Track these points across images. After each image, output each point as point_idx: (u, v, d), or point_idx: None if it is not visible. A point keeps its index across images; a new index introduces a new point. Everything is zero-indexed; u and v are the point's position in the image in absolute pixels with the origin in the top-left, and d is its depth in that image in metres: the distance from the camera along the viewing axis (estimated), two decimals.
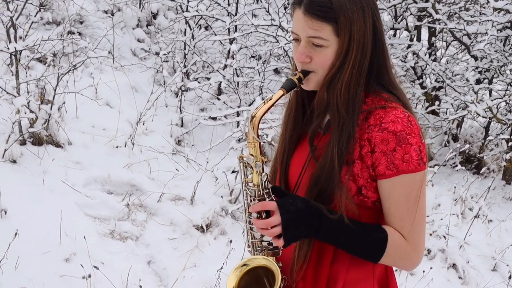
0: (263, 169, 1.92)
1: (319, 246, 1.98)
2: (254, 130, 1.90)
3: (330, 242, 1.93)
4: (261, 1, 6.42)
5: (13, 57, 5.29)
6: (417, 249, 1.93)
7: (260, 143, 1.92)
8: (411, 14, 7.52)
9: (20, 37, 5.74)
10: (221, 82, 6.28)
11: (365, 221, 1.94)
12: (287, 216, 1.86)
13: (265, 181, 1.92)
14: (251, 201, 1.94)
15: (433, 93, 7.31)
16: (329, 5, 1.87)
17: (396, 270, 4.26)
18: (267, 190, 1.92)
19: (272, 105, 1.92)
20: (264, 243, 1.97)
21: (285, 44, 5.88)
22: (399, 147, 1.85)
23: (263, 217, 1.91)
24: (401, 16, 7.46)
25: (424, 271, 4.90)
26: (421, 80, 7.31)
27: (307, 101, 2.09)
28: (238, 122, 5.58)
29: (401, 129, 1.85)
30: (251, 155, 1.91)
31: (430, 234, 5.47)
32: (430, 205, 5.86)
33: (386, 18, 7.73)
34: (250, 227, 1.97)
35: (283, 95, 1.93)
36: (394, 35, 7.72)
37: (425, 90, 7.24)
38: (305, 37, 1.91)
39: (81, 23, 7.31)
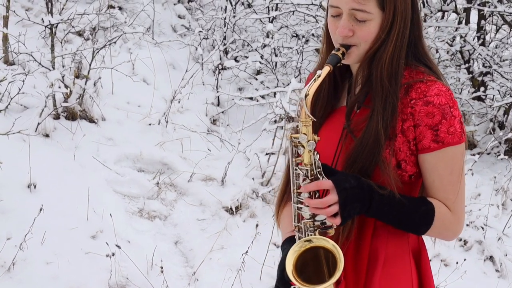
0: (315, 148, 1.90)
1: (360, 222, 1.99)
2: (308, 107, 1.88)
3: (379, 218, 1.96)
4: None
5: (48, 30, 5.32)
6: (459, 220, 1.99)
7: (313, 121, 1.89)
8: None
9: (59, 10, 5.77)
10: (259, 62, 6.21)
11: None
12: (344, 194, 1.86)
13: (317, 160, 1.90)
14: (303, 180, 1.91)
15: (480, 78, 7.12)
16: None
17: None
18: (319, 169, 1.91)
19: (322, 81, 1.91)
20: (317, 223, 1.93)
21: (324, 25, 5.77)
22: (444, 120, 1.89)
23: (316, 196, 1.90)
24: None
25: (457, 263, 4.80)
26: (467, 65, 7.13)
27: (339, 77, 2.09)
28: (276, 104, 5.52)
29: (445, 102, 1.90)
30: (304, 134, 1.89)
31: (468, 225, 5.35)
32: (469, 194, 5.73)
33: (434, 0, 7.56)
34: (298, 207, 1.95)
35: (330, 70, 1.91)
36: (442, 17, 7.53)
37: (472, 75, 7.06)
38: (347, 9, 1.91)
39: None
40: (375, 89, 1.94)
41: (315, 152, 1.90)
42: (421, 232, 1.99)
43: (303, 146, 1.90)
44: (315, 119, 1.91)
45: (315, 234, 1.93)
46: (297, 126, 1.92)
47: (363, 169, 1.93)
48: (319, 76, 1.89)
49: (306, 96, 1.88)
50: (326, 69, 1.90)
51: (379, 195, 1.90)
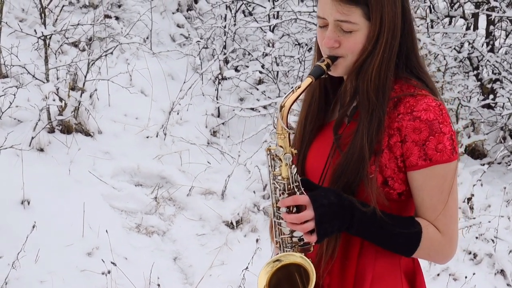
0: (292, 161, 1.88)
1: (346, 240, 1.96)
2: (283, 120, 1.87)
3: (362, 236, 1.93)
4: None
5: (41, 41, 5.33)
6: (451, 241, 1.95)
7: (289, 134, 1.89)
8: (468, 1, 7.31)
9: (53, 21, 5.79)
10: (260, 71, 6.21)
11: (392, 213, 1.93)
12: (320, 211, 1.84)
13: (294, 174, 1.88)
14: (280, 195, 1.90)
15: (489, 85, 7.10)
16: None
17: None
18: (297, 183, 1.88)
19: (301, 93, 1.90)
20: (295, 239, 1.93)
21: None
22: (432, 136, 1.86)
23: (294, 211, 1.88)
24: (458, 3, 7.27)
25: (466, 277, 4.77)
26: (476, 72, 7.11)
27: (331, 90, 2.07)
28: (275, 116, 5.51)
29: (434, 118, 1.86)
30: (280, 146, 1.88)
31: (477, 237, 5.32)
32: (478, 206, 5.70)
33: (441, 5, 7.54)
34: (279, 223, 1.94)
35: (311, 82, 1.90)
36: (450, 23, 7.52)
37: (480, 83, 7.04)
38: (333, 20, 1.89)
39: (119, 6, 7.34)
40: (362, 102, 1.91)
41: (293, 166, 1.88)
42: (407, 253, 1.94)
43: (280, 159, 1.89)
44: (291, 132, 1.89)
45: (293, 251, 1.92)
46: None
47: (347, 185, 1.90)
48: (298, 87, 1.88)
49: (282, 107, 1.87)
50: (308, 80, 1.89)
51: (361, 213, 1.87)
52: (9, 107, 4.80)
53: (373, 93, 1.88)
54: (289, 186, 1.88)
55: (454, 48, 6.89)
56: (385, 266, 1.97)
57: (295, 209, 1.88)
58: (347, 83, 1.98)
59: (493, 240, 5.34)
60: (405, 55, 1.95)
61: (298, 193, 1.88)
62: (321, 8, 1.91)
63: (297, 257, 1.89)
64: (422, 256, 1.96)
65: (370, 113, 1.88)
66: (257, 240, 4.46)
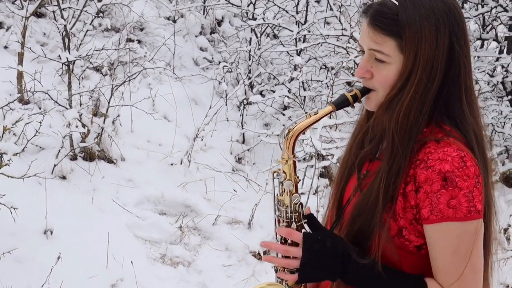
0: (296, 189, 1.87)
1: None
2: (288, 145, 1.86)
3: None
4: (331, 10, 6.38)
5: (65, 67, 5.41)
6: None
7: (294, 161, 1.88)
8: (501, 23, 7.33)
9: (76, 46, 5.88)
10: (285, 96, 6.26)
11: (407, 267, 1.85)
12: (308, 254, 1.81)
13: (297, 204, 1.88)
14: (279, 222, 1.92)
15: None
16: (395, 17, 1.79)
17: None
18: (297, 214, 1.88)
19: (316, 121, 1.87)
20: (288, 270, 1.90)
21: (356, 57, 5.83)
22: (444, 189, 1.73)
23: (288, 242, 1.88)
24: (490, 25, 7.29)
25: None
26: (510, 97, 7.11)
27: None
28: (303, 140, 5.55)
29: (449, 170, 1.73)
30: (284, 172, 1.88)
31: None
32: None
33: (472, 27, 7.57)
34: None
35: (331, 111, 1.87)
36: (482, 46, 7.54)
37: None
38: (367, 49, 1.85)
39: (141, 30, 7.45)
40: (387, 143, 1.84)
41: (294, 194, 1.87)
42: None
43: (282, 184, 1.89)
44: (295, 159, 1.88)
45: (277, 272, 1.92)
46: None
47: (362, 227, 1.84)
48: (315, 114, 1.86)
49: (289, 131, 1.86)
50: (328, 109, 1.87)
51: (356, 264, 1.81)
52: (34, 135, 4.86)
53: (397, 136, 1.80)
54: (287, 215, 1.88)
55: (487, 73, 6.90)
56: None
57: (290, 240, 1.88)
58: (376, 118, 1.91)
59: None
60: (445, 100, 1.83)
61: (295, 224, 1.87)
62: (360, 35, 1.90)
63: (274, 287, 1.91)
64: None
65: (393, 157, 1.80)
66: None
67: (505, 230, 5.51)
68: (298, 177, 1.90)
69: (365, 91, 1.88)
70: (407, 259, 1.84)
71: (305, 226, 1.89)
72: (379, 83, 1.85)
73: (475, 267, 1.78)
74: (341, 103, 1.88)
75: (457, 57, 1.82)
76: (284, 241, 1.88)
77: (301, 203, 1.89)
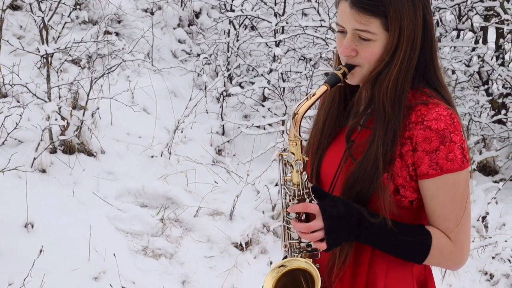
0: (304, 168, 1.96)
1: (357, 247, 2.03)
2: (296, 127, 1.95)
3: (371, 245, 2.00)
4: (309, 1, 6.38)
5: (43, 60, 5.37)
6: (462, 250, 2.01)
7: (301, 141, 1.96)
8: (476, 13, 7.38)
9: (53, 38, 5.83)
10: (265, 88, 6.27)
11: (402, 221, 1.99)
12: (329, 222, 1.92)
13: (305, 181, 1.96)
14: (290, 200, 1.99)
15: (500, 100, 7.16)
16: None
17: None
18: (307, 190, 1.97)
19: (316, 101, 1.97)
20: (303, 245, 2.01)
21: (335, 48, 5.82)
22: (442, 145, 1.92)
23: (303, 218, 1.97)
24: (466, 16, 7.34)
25: None
26: (486, 86, 7.17)
27: (349, 96, 2.14)
28: (283, 132, 5.56)
29: (444, 127, 1.92)
30: (292, 153, 1.96)
31: (493, 257, 5.35)
32: (493, 224, 5.73)
33: (448, 17, 7.61)
34: (288, 227, 2.02)
35: (326, 90, 1.98)
36: (458, 36, 7.59)
37: (491, 97, 7.10)
38: (351, 29, 1.96)
39: (119, 22, 7.40)
40: (377, 113, 1.98)
41: (304, 172, 1.96)
42: (417, 261, 2.01)
43: (291, 166, 1.96)
44: (302, 139, 1.97)
45: (300, 256, 2.00)
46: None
47: (360, 194, 1.98)
48: (313, 95, 1.96)
49: (295, 114, 1.95)
50: (323, 88, 1.97)
51: (369, 224, 1.94)
52: (14, 128, 4.83)
53: (389, 105, 1.95)
54: (299, 193, 1.97)
55: (464, 63, 6.95)
56: (398, 274, 2.04)
57: (304, 215, 1.97)
58: (361, 91, 2.05)
59: (509, 260, 5.36)
60: (423, 67, 2.01)
61: (308, 200, 1.97)
62: (340, 16, 1.99)
63: (302, 262, 1.98)
64: (433, 264, 2.05)
65: (386, 124, 1.95)
66: (271, 262, 4.48)
67: (483, 218, 5.56)
68: (306, 156, 1.98)
69: (351, 67, 2.01)
70: (402, 214, 2.00)
71: (314, 199, 1.98)
72: (364, 59, 1.98)
73: (468, 210, 2.00)
74: (334, 81, 1.99)
75: (429, 26, 2.01)
76: (298, 217, 1.97)
77: (308, 180, 1.98)
